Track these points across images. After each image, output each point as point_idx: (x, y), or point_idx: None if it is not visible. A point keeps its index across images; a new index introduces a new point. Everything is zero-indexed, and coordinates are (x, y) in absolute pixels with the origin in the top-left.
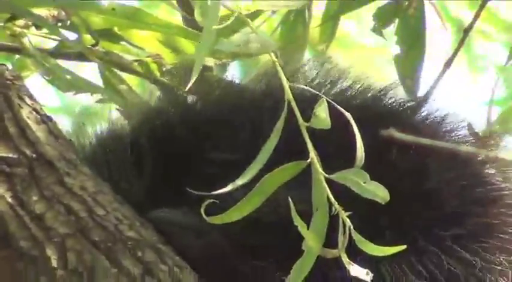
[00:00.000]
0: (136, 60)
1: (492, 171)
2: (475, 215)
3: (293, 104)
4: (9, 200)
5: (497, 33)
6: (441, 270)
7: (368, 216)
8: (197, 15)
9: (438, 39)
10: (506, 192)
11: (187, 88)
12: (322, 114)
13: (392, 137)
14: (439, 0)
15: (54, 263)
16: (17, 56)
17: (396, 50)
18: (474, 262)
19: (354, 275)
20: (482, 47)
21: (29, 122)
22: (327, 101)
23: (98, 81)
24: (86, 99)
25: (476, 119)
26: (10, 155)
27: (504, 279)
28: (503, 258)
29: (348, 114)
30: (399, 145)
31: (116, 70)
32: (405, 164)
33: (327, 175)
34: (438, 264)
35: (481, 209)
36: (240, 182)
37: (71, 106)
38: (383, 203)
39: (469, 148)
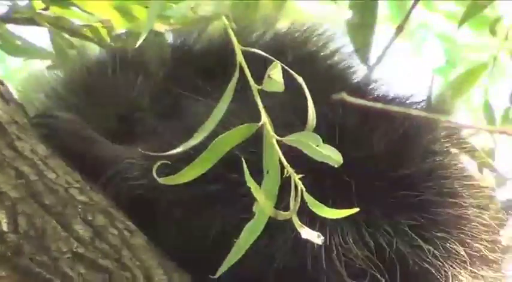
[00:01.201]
0: (86, 25)
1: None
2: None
3: (244, 66)
4: None
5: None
6: (390, 249)
7: (324, 182)
8: None
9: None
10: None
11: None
12: (275, 77)
13: (344, 101)
14: None
15: (5, 227)
16: None
17: (348, 15)
18: (427, 249)
19: (305, 237)
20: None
21: None
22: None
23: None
24: (36, 65)
25: (420, 89)
26: None
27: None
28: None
29: (300, 79)
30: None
31: (66, 35)
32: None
33: (278, 137)
34: (388, 242)
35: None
36: (191, 142)
37: (14, 75)
38: (336, 166)
39: (420, 112)
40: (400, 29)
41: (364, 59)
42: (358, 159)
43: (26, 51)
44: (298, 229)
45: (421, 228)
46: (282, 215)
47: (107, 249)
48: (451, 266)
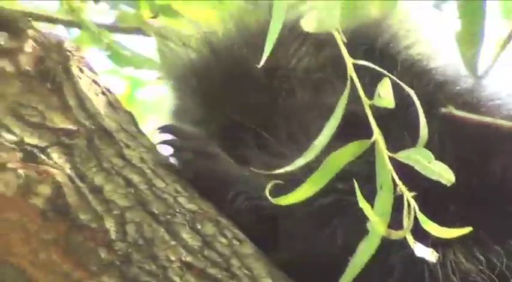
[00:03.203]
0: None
1: None
2: None
3: (356, 81)
4: (69, 171)
5: None
6: (501, 265)
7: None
8: None
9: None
10: None
11: (261, 64)
12: (385, 93)
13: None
14: None
15: (113, 236)
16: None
17: (457, 25)
18: None
19: (419, 255)
20: None
21: (89, 93)
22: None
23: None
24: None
25: None
26: (69, 127)
27: None
28: None
29: (412, 92)
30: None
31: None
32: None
33: (390, 154)
34: (498, 259)
35: None
36: (301, 162)
37: None
38: (448, 185)
39: None
40: (508, 40)
41: (472, 68)
42: (470, 181)
43: (133, 61)
44: (412, 246)
45: None
46: (396, 234)
47: (216, 258)
48: None
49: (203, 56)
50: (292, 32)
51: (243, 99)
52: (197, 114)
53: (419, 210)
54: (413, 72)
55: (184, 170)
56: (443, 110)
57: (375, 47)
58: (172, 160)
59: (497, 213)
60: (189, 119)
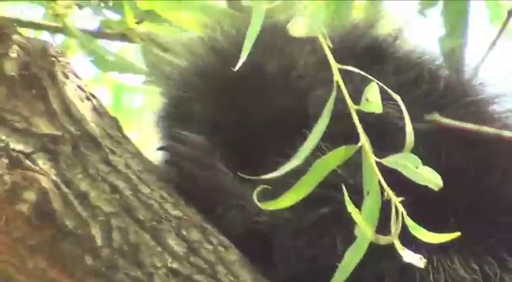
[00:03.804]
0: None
1: None
2: None
3: (342, 87)
4: (54, 177)
5: None
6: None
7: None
8: None
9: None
10: None
11: (236, 68)
12: (373, 98)
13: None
14: None
15: (99, 242)
16: (61, 36)
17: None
18: None
19: (407, 261)
20: None
21: (74, 99)
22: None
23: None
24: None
25: None
26: (55, 132)
27: None
28: None
29: (397, 97)
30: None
31: (158, 51)
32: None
33: (377, 159)
34: (493, 271)
35: None
36: (289, 166)
37: None
38: (436, 189)
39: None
40: (491, 46)
41: (458, 75)
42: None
43: (118, 66)
44: (400, 252)
45: None
46: (384, 239)
47: (202, 264)
48: None
49: (209, 60)
50: None
51: (262, 103)
52: (203, 120)
53: (412, 217)
54: (401, 78)
55: (180, 179)
56: (428, 116)
57: (363, 50)
58: (165, 165)
59: (491, 223)
60: (189, 125)
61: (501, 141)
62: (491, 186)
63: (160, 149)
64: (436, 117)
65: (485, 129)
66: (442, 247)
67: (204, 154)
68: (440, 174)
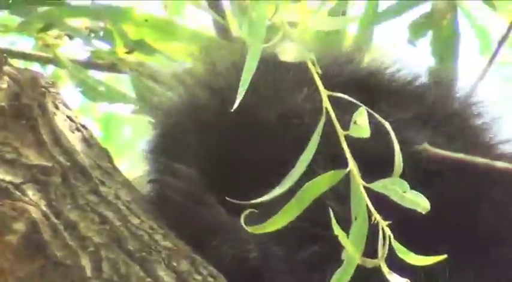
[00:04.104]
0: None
1: None
2: None
3: (331, 112)
4: (44, 208)
5: None
6: None
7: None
8: (243, 33)
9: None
10: None
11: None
12: (361, 123)
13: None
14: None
15: (89, 273)
16: (52, 67)
17: (431, 61)
18: None
19: None
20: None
21: (64, 130)
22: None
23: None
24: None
25: None
26: (44, 163)
27: None
28: None
29: (387, 124)
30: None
31: (148, 82)
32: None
33: (366, 184)
34: None
35: None
36: (278, 191)
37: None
38: (423, 213)
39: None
40: (482, 75)
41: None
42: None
43: (108, 96)
44: (386, 276)
45: None
46: (371, 262)
47: None
48: None
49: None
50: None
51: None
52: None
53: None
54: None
55: (169, 212)
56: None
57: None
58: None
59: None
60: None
61: (494, 170)
62: (486, 217)
63: (151, 181)
64: (426, 146)
65: (477, 159)
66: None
67: (196, 187)
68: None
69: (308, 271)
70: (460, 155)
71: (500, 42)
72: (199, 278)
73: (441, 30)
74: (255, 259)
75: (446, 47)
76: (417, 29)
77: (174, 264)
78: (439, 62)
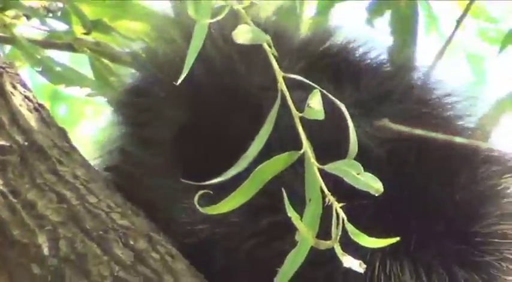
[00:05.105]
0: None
1: None
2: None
3: (287, 94)
4: (1, 187)
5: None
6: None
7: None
8: (190, 10)
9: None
10: None
11: (179, 82)
12: (315, 105)
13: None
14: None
15: (46, 251)
16: (9, 47)
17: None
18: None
19: (347, 266)
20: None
21: (22, 109)
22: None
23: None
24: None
25: None
26: (2, 143)
27: None
28: None
29: (342, 106)
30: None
31: (106, 61)
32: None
33: (319, 166)
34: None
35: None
36: (232, 172)
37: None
38: (377, 195)
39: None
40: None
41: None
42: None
43: (67, 78)
44: (340, 257)
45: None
46: (324, 244)
47: (148, 273)
48: None
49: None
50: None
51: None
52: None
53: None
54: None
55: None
56: (377, 122)
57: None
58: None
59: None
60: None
61: (454, 147)
62: (446, 195)
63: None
64: (385, 122)
65: (435, 135)
66: (392, 254)
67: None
68: (392, 181)
69: (267, 240)
70: (419, 131)
71: (458, 22)
72: (156, 256)
73: (400, 10)
74: (206, 232)
75: (405, 28)
76: (376, 9)
77: (132, 242)
78: (399, 43)
